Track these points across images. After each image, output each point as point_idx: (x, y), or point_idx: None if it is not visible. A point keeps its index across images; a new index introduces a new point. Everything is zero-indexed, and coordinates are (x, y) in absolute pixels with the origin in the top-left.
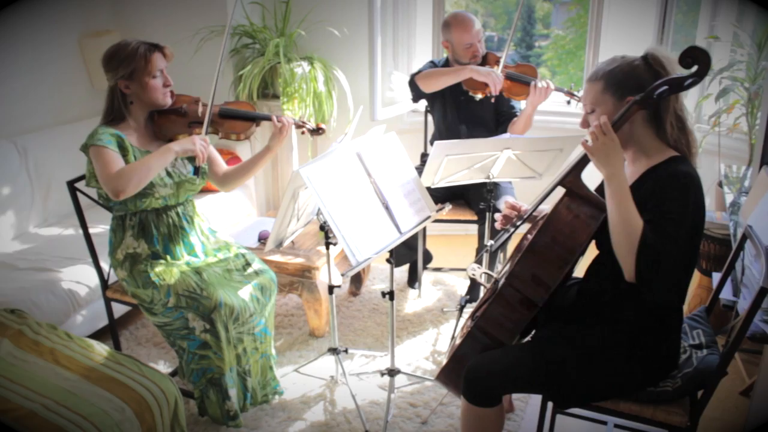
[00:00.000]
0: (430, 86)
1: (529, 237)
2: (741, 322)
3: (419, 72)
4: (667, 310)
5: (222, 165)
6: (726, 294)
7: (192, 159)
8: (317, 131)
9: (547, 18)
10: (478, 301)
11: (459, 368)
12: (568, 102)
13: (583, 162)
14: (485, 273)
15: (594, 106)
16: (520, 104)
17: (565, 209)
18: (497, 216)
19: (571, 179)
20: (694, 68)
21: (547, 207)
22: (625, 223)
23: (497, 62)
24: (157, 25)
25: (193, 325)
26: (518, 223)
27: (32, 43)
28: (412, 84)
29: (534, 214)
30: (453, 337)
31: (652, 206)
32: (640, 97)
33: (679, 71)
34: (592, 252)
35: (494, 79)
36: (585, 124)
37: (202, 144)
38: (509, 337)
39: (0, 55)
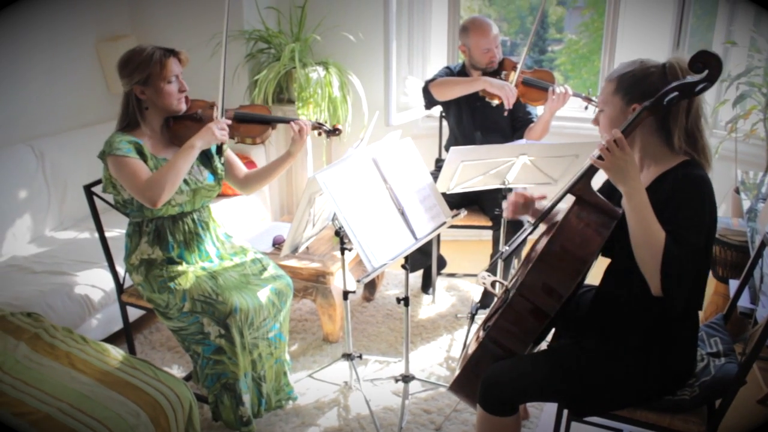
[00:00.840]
0: (443, 94)
1: (540, 246)
2: (760, 331)
3: (433, 79)
4: (682, 316)
5: (242, 168)
6: (744, 302)
7: (208, 162)
8: (334, 132)
9: (560, 22)
10: (490, 309)
11: (472, 379)
12: (586, 107)
13: (592, 169)
14: (496, 281)
15: (603, 106)
16: (536, 110)
17: (575, 218)
18: (505, 204)
19: (581, 187)
20: (705, 73)
21: (564, 206)
22: (648, 237)
23: (514, 68)
24: (173, 29)
25: (208, 330)
26: (528, 231)
27: (50, 47)
28: (426, 91)
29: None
30: (464, 347)
31: (669, 214)
32: (650, 103)
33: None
34: (605, 258)
35: (507, 92)
36: (596, 121)
37: (221, 131)
38: (521, 347)
39: (18, 59)
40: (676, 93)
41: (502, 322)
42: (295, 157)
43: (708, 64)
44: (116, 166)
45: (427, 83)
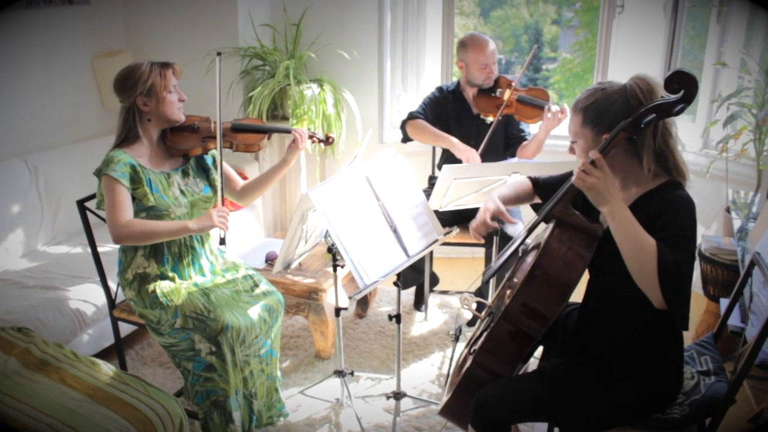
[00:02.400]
0: (414, 136)
1: (523, 268)
2: (749, 350)
3: (413, 118)
4: (665, 331)
5: (239, 181)
6: (734, 320)
7: (206, 174)
8: (326, 141)
9: (554, 41)
10: (474, 330)
11: (461, 403)
12: None
13: (571, 190)
14: (479, 302)
15: (576, 138)
16: (530, 128)
17: (556, 242)
18: (472, 224)
19: (560, 209)
20: (681, 93)
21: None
22: (639, 248)
23: (509, 85)
24: (168, 45)
25: (199, 346)
26: (515, 246)
27: (45, 62)
28: (403, 127)
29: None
30: (449, 371)
31: (661, 226)
32: (627, 125)
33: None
34: (588, 275)
35: (470, 156)
36: (572, 150)
37: (220, 216)
38: (509, 369)
39: (13, 74)
40: (653, 115)
41: (488, 346)
42: (290, 163)
43: (683, 85)
44: (106, 187)
45: (406, 120)
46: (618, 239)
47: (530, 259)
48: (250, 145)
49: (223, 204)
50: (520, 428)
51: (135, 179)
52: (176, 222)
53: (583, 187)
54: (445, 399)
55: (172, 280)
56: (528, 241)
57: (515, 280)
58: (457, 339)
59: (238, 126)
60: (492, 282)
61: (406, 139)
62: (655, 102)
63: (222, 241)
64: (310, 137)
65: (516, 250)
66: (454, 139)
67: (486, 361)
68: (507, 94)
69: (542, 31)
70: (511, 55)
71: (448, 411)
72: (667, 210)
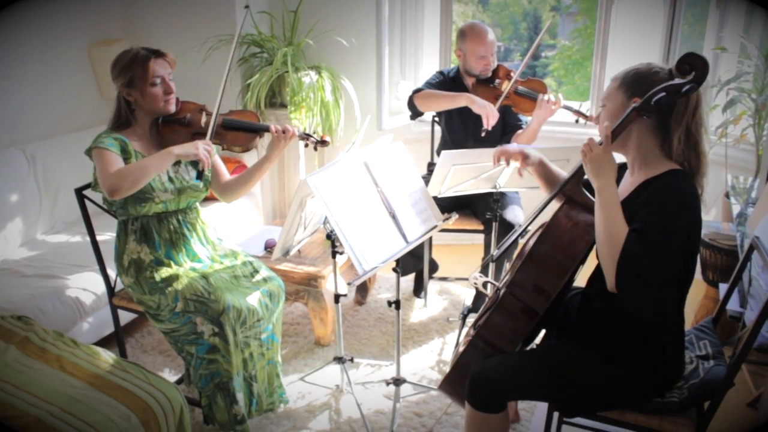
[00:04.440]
0: (426, 107)
1: (530, 244)
2: (748, 334)
3: (420, 90)
4: (665, 317)
5: (225, 175)
6: (733, 305)
7: (196, 164)
8: (322, 143)
9: (553, 28)
10: (481, 309)
11: (462, 377)
12: (576, 121)
13: (582, 169)
14: (487, 282)
15: (606, 101)
16: (527, 118)
17: (564, 217)
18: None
19: (571, 186)
20: (692, 75)
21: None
22: (611, 234)
23: (507, 76)
24: (166, 33)
25: (201, 329)
26: (519, 232)
27: (42, 51)
28: (410, 102)
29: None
30: (456, 347)
31: (642, 216)
32: (638, 104)
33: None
34: (594, 259)
35: (489, 112)
36: (596, 119)
37: (205, 148)
38: (511, 346)
39: (10, 64)
40: (663, 93)
41: (493, 320)
42: (273, 161)
43: (694, 66)
44: (96, 157)
45: (413, 94)
46: (597, 216)
47: (537, 236)
48: (240, 145)
49: (207, 191)
50: (520, 414)
51: (125, 150)
52: (160, 152)
53: (584, 158)
54: (447, 372)
55: (169, 266)
56: (530, 228)
57: (524, 251)
58: (464, 318)
59: (230, 123)
60: (492, 268)
61: (415, 115)
62: (665, 83)
63: (199, 175)
64: (304, 138)
65: (522, 233)
66: (471, 95)
67: (489, 335)
68: (505, 86)
69: (541, 17)
70: (509, 42)
71: (447, 384)
72: (653, 201)
